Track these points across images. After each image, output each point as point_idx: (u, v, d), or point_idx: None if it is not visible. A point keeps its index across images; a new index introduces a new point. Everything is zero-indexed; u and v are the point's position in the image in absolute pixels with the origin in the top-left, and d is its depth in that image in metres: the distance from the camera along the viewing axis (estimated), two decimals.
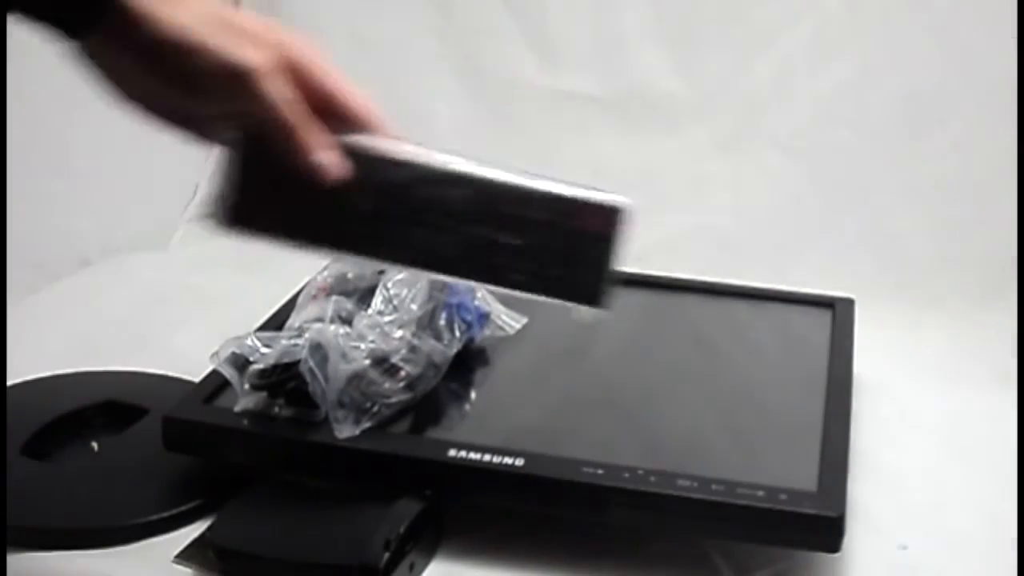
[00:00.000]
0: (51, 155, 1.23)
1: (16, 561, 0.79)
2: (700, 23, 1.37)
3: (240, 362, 0.83)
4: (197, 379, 0.89)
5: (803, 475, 0.79)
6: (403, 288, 0.87)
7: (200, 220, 1.37)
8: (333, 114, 0.64)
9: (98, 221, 1.28)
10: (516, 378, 0.93)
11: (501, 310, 0.95)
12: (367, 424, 0.82)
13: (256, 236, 0.69)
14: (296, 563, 0.76)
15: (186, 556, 0.78)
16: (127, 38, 0.62)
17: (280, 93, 0.64)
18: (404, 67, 1.41)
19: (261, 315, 0.96)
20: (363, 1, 1.42)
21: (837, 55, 1.33)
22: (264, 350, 0.83)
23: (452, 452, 0.80)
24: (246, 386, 0.83)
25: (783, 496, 0.76)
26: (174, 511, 0.82)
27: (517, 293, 0.70)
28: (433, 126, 1.39)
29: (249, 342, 0.84)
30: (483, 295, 0.93)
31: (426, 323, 0.87)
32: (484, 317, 0.93)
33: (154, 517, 0.82)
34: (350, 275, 0.91)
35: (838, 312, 1.02)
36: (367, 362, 0.82)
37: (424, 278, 0.88)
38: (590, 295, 0.70)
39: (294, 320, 0.88)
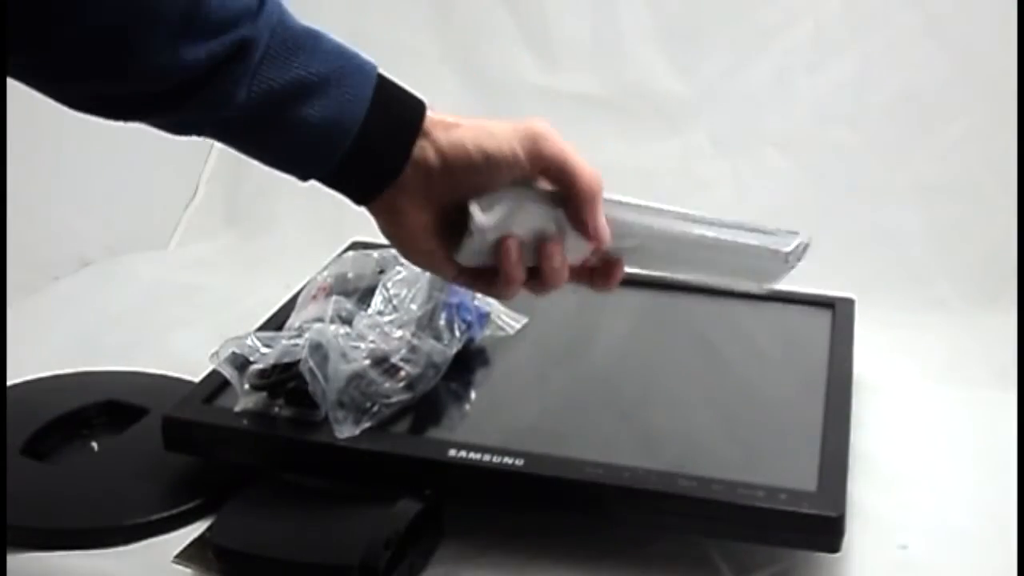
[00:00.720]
0: (51, 155, 1.23)
1: (16, 561, 0.79)
2: (700, 23, 1.37)
3: (240, 362, 0.83)
4: (197, 379, 0.89)
5: (803, 475, 0.79)
6: (403, 288, 0.88)
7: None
8: (561, 181, 0.70)
9: (98, 221, 1.28)
10: (516, 378, 0.93)
11: (501, 310, 0.95)
12: (367, 424, 0.82)
13: None
14: (296, 563, 0.76)
15: (186, 556, 0.78)
16: (423, 171, 0.70)
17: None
18: (404, 67, 1.40)
19: (261, 315, 0.96)
20: (363, 1, 1.42)
21: (837, 55, 1.33)
22: (264, 350, 0.83)
23: (452, 452, 0.80)
24: (246, 386, 0.83)
25: (783, 496, 0.76)
26: (174, 511, 0.82)
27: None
28: None
29: (249, 342, 0.84)
30: (482, 295, 0.93)
31: (426, 323, 0.87)
32: (484, 317, 0.93)
33: (154, 517, 0.82)
34: (350, 275, 0.91)
35: (838, 312, 1.02)
36: (367, 362, 0.82)
37: (424, 278, 0.88)
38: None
39: (294, 320, 0.88)
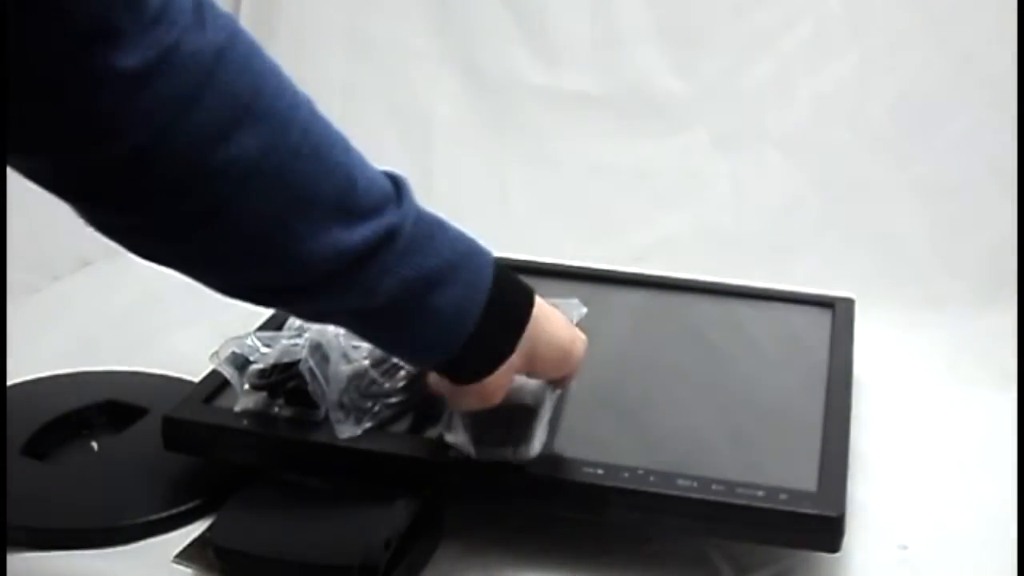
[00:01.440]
0: None
1: (16, 561, 0.79)
2: (700, 23, 1.37)
3: (240, 362, 0.83)
4: (197, 379, 0.89)
5: (803, 475, 0.79)
6: None
7: None
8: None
9: None
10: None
11: None
12: (368, 424, 0.82)
13: None
14: (296, 563, 0.76)
15: (186, 556, 0.78)
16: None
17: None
18: (404, 67, 1.41)
19: (261, 315, 0.96)
20: (363, 1, 1.42)
21: (837, 55, 1.33)
22: (264, 350, 0.83)
23: (452, 452, 0.80)
24: (246, 386, 0.83)
25: (783, 496, 0.76)
26: (174, 511, 0.82)
27: None
28: (433, 126, 1.39)
29: (249, 342, 0.84)
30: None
31: None
32: None
33: (154, 517, 0.82)
34: None
35: (838, 312, 1.02)
36: (367, 363, 0.82)
37: None
38: None
39: (294, 320, 0.88)
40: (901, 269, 1.24)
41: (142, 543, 0.81)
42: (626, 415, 0.89)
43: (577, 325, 0.85)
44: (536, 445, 0.79)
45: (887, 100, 1.31)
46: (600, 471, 0.78)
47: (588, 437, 0.84)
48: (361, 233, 0.65)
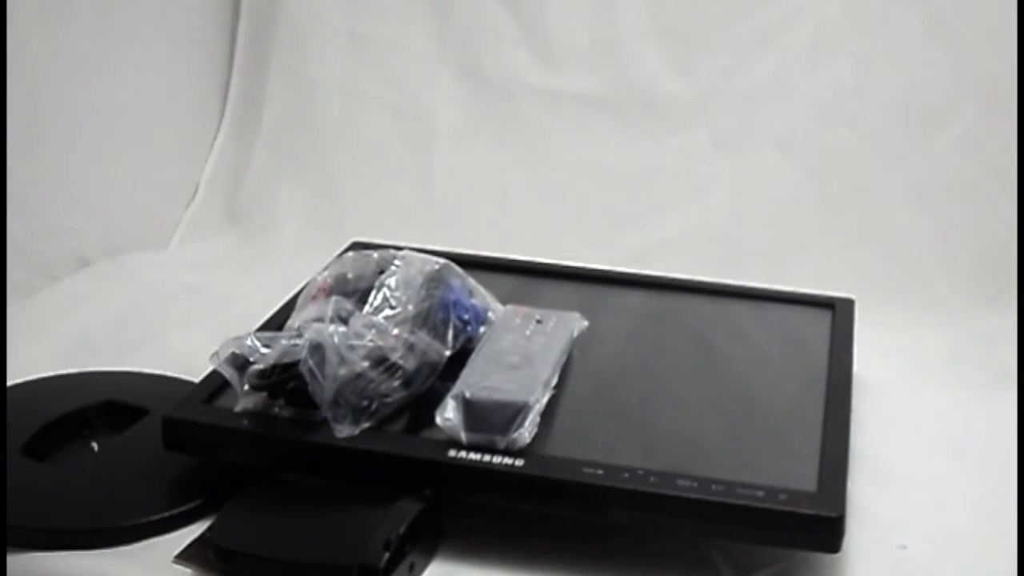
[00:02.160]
0: (51, 155, 1.23)
1: (16, 561, 0.79)
2: (700, 23, 1.37)
3: (240, 362, 0.83)
4: (197, 379, 0.89)
5: (803, 475, 0.79)
6: (400, 286, 0.87)
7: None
8: None
9: (98, 221, 1.28)
10: None
11: (499, 309, 0.95)
12: (366, 424, 0.82)
13: None
14: (296, 563, 0.76)
15: (186, 556, 0.78)
16: None
17: None
18: (404, 67, 1.41)
19: (261, 315, 0.96)
20: (363, 1, 1.42)
21: (837, 55, 1.33)
22: (264, 350, 0.83)
23: (452, 452, 0.80)
24: (246, 386, 0.83)
25: (783, 496, 0.76)
26: (174, 511, 0.82)
27: None
28: (433, 126, 1.39)
29: (249, 342, 0.83)
30: (481, 293, 0.93)
31: (422, 321, 0.87)
32: (482, 316, 0.93)
33: (154, 517, 0.82)
34: (350, 275, 0.91)
35: (838, 312, 1.02)
36: (366, 363, 0.82)
37: (421, 277, 0.88)
38: None
39: (294, 320, 0.88)
40: (901, 269, 1.24)
41: (142, 543, 0.81)
42: (626, 415, 0.89)
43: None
44: (526, 434, 0.79)
45: (887, 100, 1.31)
46: (600, 471, 0.78)
47: (588, 437, 0.84)
48: None
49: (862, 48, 1.32)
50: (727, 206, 1.33)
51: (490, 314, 0.93)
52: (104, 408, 0.93)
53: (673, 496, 0.77)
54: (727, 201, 1.33)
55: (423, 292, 0.88)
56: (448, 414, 0.81)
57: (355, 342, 0.83)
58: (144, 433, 0.89)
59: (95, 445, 0.90)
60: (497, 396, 0.81)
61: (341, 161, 1.39)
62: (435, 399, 0.82)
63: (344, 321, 0.85)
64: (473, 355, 0.87)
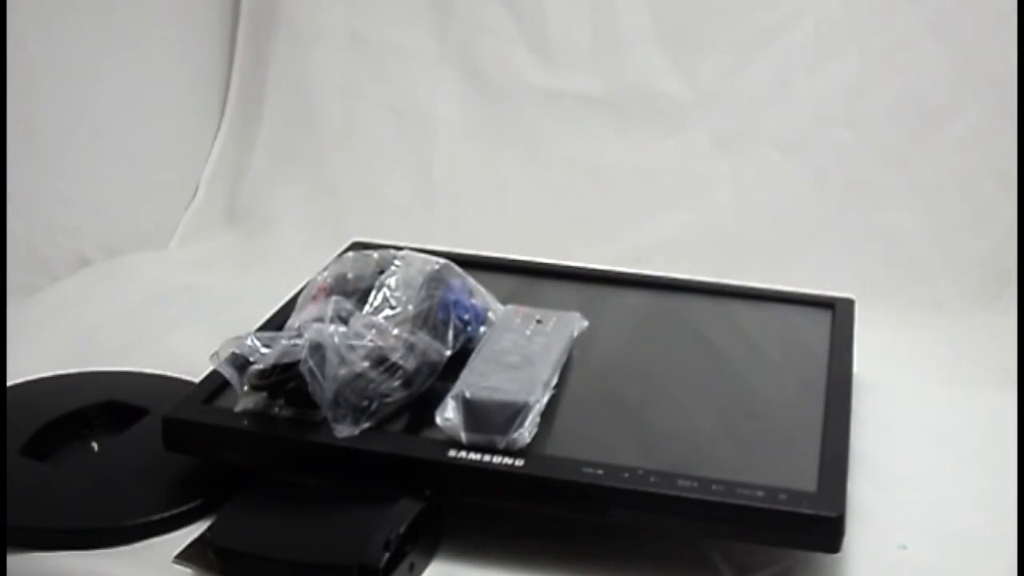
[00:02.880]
0: (51, 155, 1.23)
1: (16, 561, 0.79)
2: (700, 23, 1.37)
3: (240, 362, 0.83)
4: (197, 379, 0.89)
5: (803, 475, 0.79)
6: (400, 286, 0.87)
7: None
8: None
9: (98, 221, 1.28)
10: None
11: (499, 309, 0.95)
12: (366, 424, 0.82)
13: None
14: (296, 563, 0.76)
15: (186, 556, 0.78)
16: None
17: None
18: (404, 67, 1.41)
19: (261, 315, 0.96)
20: (363, 1, 1.42)
21: (837, 55, 1.33)
22: (264, 350, 0.83)
23: (452, 452, 0.80)
24: (246, 387, 0.83)
25: (783, 496, 0.76)
26: (174, 511, 0.82)
27: None
28: (433, 126, 1.39)
29: (249, 342, 0.83)
30: (481, 293, 0.93)
31: (422, 321, 0.87)
32: (482, 316, 0.93)
33: (154, 517, 0.82)
34: (350, 275, 0.91)
35: (838, 312, 1.02)
36: (366, 364, 0.82)
37: (421, 277, 0.88)
38: None
39: (294, 320, 0.88)
40: (901, 269, 1.24)
41: (142, 543, 0.81)
42: (626, 415, 0.89)
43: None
44: (526, 434, 0.79)
45: (887, 100, 1.31)
46: (600, 471, 0.78)
47: (588, 437, 0.84)
48: None
49: (862, 48, 1.32)
50: (727, 206, 1.33)
51: (490, 314, 0.93)
52: (104, 408, 0.93)
53: (673, 496, 0.77)
54: (727, 201, 1.33)
55: (423, 292, 0.88)
56: (448, 414, 0.81)
57: (355, 342, 0.83)
58: (144, 433, 0.89)
59: (95, 445, 0.90)
60: (497, 396, 0.81)
61: (341, 161, 1.39)
62: (435, 399, 0.82)
63: (344, 321, 0.85)
64: (473, 355, 0.87)
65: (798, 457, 0.82)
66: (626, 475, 0.78)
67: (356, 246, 1.02)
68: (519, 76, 1.39)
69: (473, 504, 0.81)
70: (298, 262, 1.08)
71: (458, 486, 0.80)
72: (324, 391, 0.81)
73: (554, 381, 0.86)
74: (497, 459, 0.79)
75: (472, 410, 0.81)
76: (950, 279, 1.23)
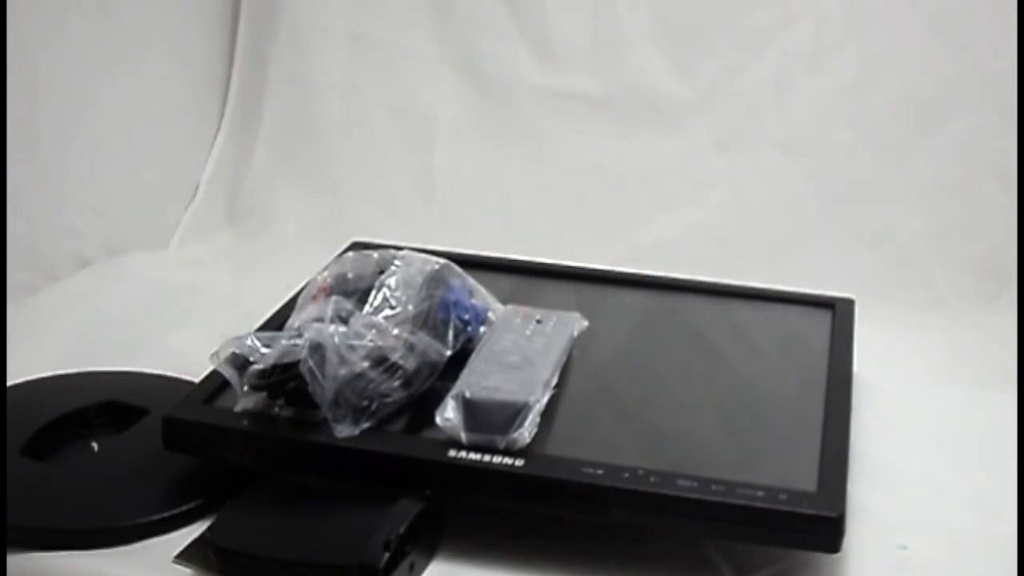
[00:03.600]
0: (52, 155, 1.23)
1: (16, 561, 0.79)
2: (700, 23, 1.37)
3: (240, 362, 0.83)
4: (197, 379, 0.89)
5: (803, 475, 0.79)
6: (400, 286, 0.87)
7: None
8: None
9: (98, 221, 1.28)
10: None
11: (499, 309, 0.95)
12: (366, 424, 0.82)
13: None
14: (296, 563, 0.76)
15: (186, 556, 0.78)
16: None
17: None
18: (404, 67, 1.41)
19: (261, 315, 0.96)
20: (363, 1, 1.42)
21: (837, 55, 1.33)
22: (264, 350, 0.83)
23: (452, 452, 0.80)
24: (246, 387, 0.83)
25: (783, 496, 0.76)
26: (174, 511, 0.82)
27: None
28: (433, 126, 1.39)
29: (249, 342, 0.83)
30: (481, 293, 0.93)
31: (422, 321, 0.87)
32: (482, 316, 0.93)
33: (154, 517, 0.82)
34: (350, 275, 0.91)
35: (838, 312, 1.02)
36: (366, 364, 0.82)
37: (421, 276, 0.88)
38: None
39: (294, 320, 0.88)
40: (901, 269, 1.24)
41: (142, 543, 0.81)
42: (626, 415, 0.89)
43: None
44: (526, 434, 0.79)
45: (887, 100, 1.31)
46: (600, 471, 0.78)
47: (588, 437, 0.84)
48: None
49: (862, 48, 1.32)
50: (727, 206, 1.33)
51: (490, 314, 0.93)
52: (104, 408, 0.93)
53: (673, 496, 0.77)
54: (727, 201, 1.33)
55: (423, 292, 0.88)
56: (448, 414, 0.81)
57: (355, 342, 0.83)
58: (144, 433, 0.89)
59: (95, 445, 0.90)
60: (497, 396, 0.81)
61: (341, 161, 1.39)
62: (435, 399, 0.82)
63: (344, 321, 0.85)
64: (473, 355, 0.87)
65: (798, 457, 0.82)
66: (626, 475, 0.78)
67: (356, 246, 1.02)
68: (519, 76, 1.39)
69: (473, 504, 0.81)
70: (298, 262, 1.07)
71: (458, 486, 0.80)
72: (324, 391, 0.81)
73: (554, 381, 0.86)
74: (497, 459, 0.79)
75: (472, 410, 0.81)
76: (950, 279, 1.23)
